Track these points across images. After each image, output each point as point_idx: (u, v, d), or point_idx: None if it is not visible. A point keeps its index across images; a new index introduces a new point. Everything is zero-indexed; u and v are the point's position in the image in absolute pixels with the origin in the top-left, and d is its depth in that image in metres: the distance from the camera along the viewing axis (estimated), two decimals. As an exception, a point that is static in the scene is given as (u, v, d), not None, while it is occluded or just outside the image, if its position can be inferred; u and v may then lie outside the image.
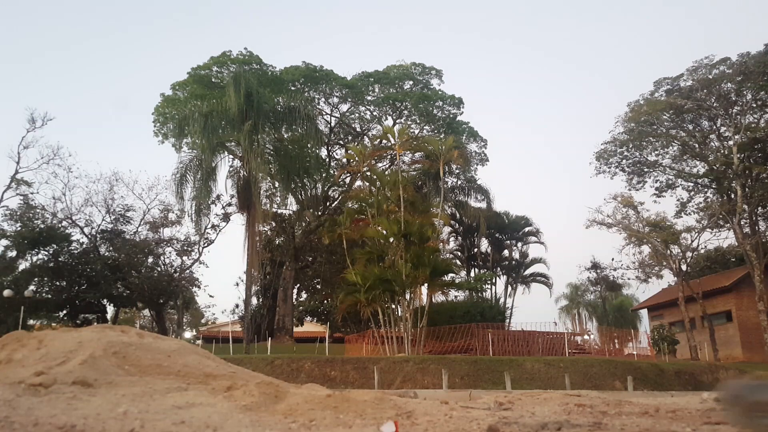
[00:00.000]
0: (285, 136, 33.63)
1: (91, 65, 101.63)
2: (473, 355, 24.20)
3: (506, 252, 41.53)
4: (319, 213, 36.89)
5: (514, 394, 8.02)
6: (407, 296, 26.46)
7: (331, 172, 37.53)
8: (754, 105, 34.89)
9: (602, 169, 38.03)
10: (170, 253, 38.49)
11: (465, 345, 25.91)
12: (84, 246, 35.26)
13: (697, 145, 36.94)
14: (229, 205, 36.94)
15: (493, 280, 39.38)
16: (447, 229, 38.04)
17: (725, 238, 39.26)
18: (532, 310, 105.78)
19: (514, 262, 41.59)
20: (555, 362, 21.42)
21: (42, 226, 33.65)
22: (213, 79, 35.46)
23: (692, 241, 37.28)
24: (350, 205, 32.25)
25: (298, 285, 41.44)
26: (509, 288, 41.28)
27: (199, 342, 33.11)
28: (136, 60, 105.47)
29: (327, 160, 38.32)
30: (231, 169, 33.21)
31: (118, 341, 5.60)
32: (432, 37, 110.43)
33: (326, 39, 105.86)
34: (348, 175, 35.83)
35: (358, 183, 35.14)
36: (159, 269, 37.46)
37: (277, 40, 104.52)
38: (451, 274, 31.57)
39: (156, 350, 5.75)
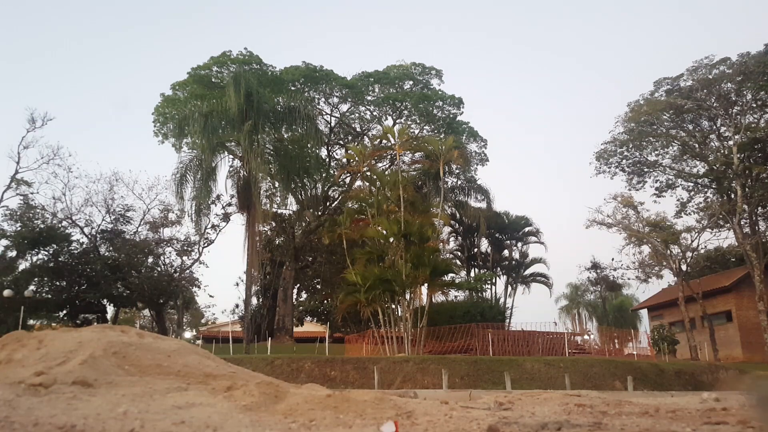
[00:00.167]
0: (285, 136, 33.63)
1: (91, 65, 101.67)
2: (473, 355, 24.19)
3: (506, 252, 41.53)
4: (319, 213, 36.89)
5: (514, 394, 8.02)
6: (407, 296, 26.46)
7: (331, 172, 37.54)
8: (754, 105, 34.91)
9: (602, 169, 38.09)
10: (170, 253, 38.57)
11: (465, 345, 25.91)
12: (84, 246, 35.27)
13: (697, 145, 36.96)
14: (229, 205, 36.99)
15: (493, 280, 39.40)
16: (447, 229, 38.07)
17: (725, 238, 39.35)
18: (532, 310, 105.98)
19: (514, 262, 41.59)
20: (555, 362, 21.42)
21: (42, 226, 33.65)
22: (213, 79, 35.46)
23: (692, 241, 37.35)
24: (350, 205, 32.26)
25: (298, 285, 41.45)
26: (509, 288, 41.32)
27: (199, 342, 33.11)
28: (136, 60, 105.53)
29: (327, 160, 38.33)
30: (231, 169, 33.27)
31: (118, 341, 5.60)
32: (432, 36, 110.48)
33: (326, 39, 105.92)
34: (348, 175, 35.84)
35: (358, 183, 35.18)
36: (159, 269, 37.48)
37: (277, 40, 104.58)
38: (451, 274, 31.57)
39: (156, 350, 5.75)
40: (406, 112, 37.58)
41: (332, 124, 38.22)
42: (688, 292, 35.60)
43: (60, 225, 34.87)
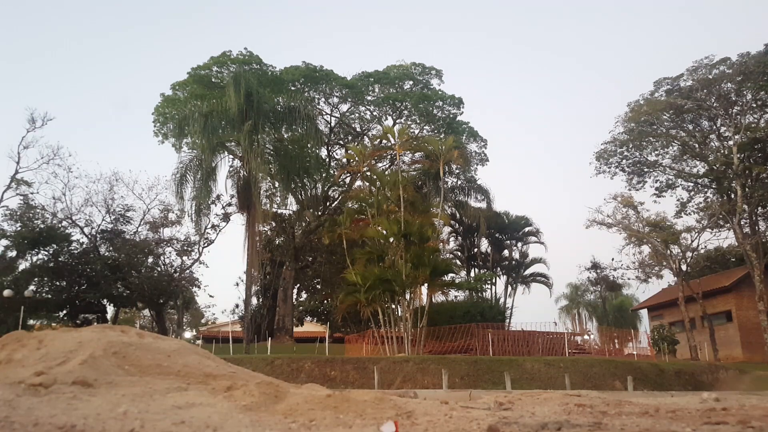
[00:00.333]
0: (285, 136, 33.64)
1: (91, 65, 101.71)
2: (473, 355, 24.19)
3: (506, 252, 41.54)
4: (319, 213, 36.89)
5: (514, 394, 8.02)
6: (407, 296, 26.45)
7: (331, 172, 37.54)
8: (754, 105, 34.90)
9: (602, 169, 38.10)
10: (170, 253, 38.59)
11: (465, 345, 25.90)
12: (84, 246, 35.28)
13: (697, 145, 36.96)
14: (229, 205, 37.00)
15: (493, 280, 39.39)
16: (447, 229, 38.07)
17: (725, 238, 39.36)
18: (532, 310, 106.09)
19: (514, 262, 41.58)
20: (555, 362, 21.42)
21: (42, 226, 33.65)
22: (213, 79, 35.47)
23: (692, 241, 37.36)
24: (350, 205, 32.25)
25: (298, 285, 41.45)
26: (509, 288, 41.32)
27: (199, 342, 33.11)
28: (136, 60, 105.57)
29: (327, 160, 38.33)
30: (231, 169, 33.28)
31: (118, 341, 5.60)
32: (432, 36, 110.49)
33: (326, 39, 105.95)
34: (348, 175, 35.84)
35: (358, 183, 35.18)
36: (159, 269, 37.49)
37: (277, 40, 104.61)
38: (451, 274, 31.57)
39: (156, 350, 5.75)
40: (406, 112, 37.58)
41: (332, 124, 38.23)
42: (688, 292, 35.59)
43: (60, 225, 34.88)
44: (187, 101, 34.15)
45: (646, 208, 38.20)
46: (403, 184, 28.26)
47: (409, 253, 25.49)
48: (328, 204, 37.87)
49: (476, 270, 40.57)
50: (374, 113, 38.56)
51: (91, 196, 35.99)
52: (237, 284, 49.55)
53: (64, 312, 34.97)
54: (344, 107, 38.23)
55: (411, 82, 37.38)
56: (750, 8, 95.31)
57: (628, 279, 44.43)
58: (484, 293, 37.81)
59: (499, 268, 41.10)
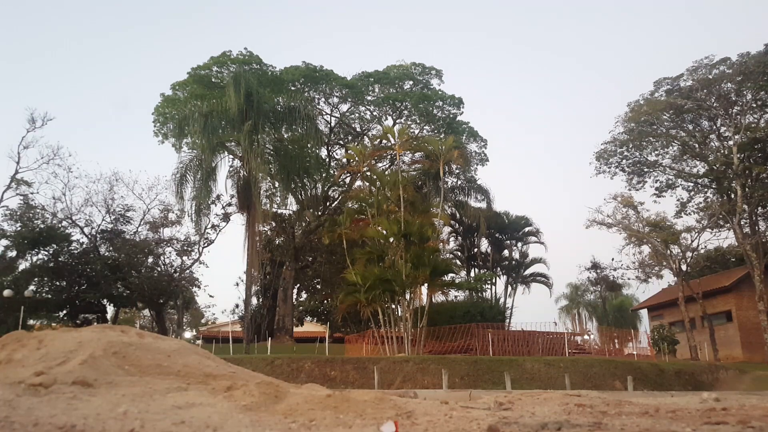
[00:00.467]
0: (285, 136, 33.64)
1: (90, 65, 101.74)
2: (473, 355, 24.19)
3: (506, 252, 41.53)
4: (319, 213, 36.89)
5: (514, 394, 8.02)
6: (407, 296, 26.45)
7: (331, 172, 37.54)
8: (754, 105, 34.90)
9: (602, 169, 38.09)
10: (170, 253, 38.58)
11: (465, 345, 25.90)
12: (84, 246, 35.28)
13: (697, 145, 36.95)
14: (229, 205, 37.00)
15: (493, 280, 39.40)
16: (447, 229, 38.07)
17: (725, 238, 39.35)
18: (532, 310, 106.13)
19: (514, 262, 41.59)
20: (555, 362, 21.42)
21: (42, 226, 33.65)
22: (213, 79, 35.46)
23: (692, 241, 37.36)
24: (350, 205, 32.25)
25: (298, 285, 41.45)
26: (509, 288, 41.33)
27: (199, 342, 33.12)
28: (136, 60, 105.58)
29: (327, 160, 38.33)
30: (231, 169, 33.29)
31: (118, 341, 5.60)
32: (432, 36, 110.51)
33: (326, 39, 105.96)
34: (348, 175, 35.84)
35: (358, 183, 35.18)
36: (159, 269, 37.48)
37: (277, 40, 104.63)
38: (451, 274, 31.57)
39: (156, 350, 5.75)
40: (406, 112, 37.58)
41: (332, 124, 38.23)
42: (688, 292, 35.59)
43: (60, 225, 34.88)
44: (187, 101, 34.15)
45: (646, 208, 38.26)
46: (403, 184, 28.26)
47: (409, 253, 25.49)
48: (328, 204, 37.87)
49: (476, 270, 40.58)
50: (374, 113, 38.57)
51: (91, 196, 36.06)
52: (237, 284, 49.64)
53: (64, 312, 34.97)
54: (344, 107, 38.28)
55: (411, 82, 37.39)
56: (750, 8, 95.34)
57: (628, 279, 44.51)
58: (484, 293, 37.86)
59: (499, 268, 41.10)
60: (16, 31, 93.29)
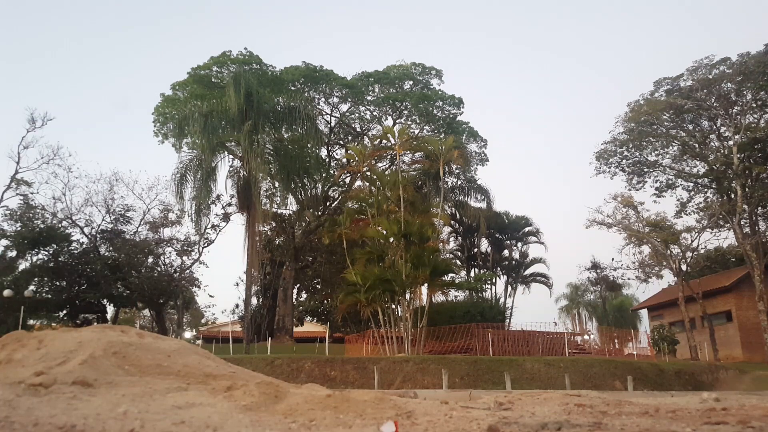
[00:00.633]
0: (285, 136, 33.64)
1: (90, 65, 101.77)
2: (473, 355, 24.20)
3: (506, 252, 41.53)
4: (319, 213, 36.89)
5: (514, 394, 8.02)
6: (407, 296, 26.45)
7: (331, 172, 37.54)
8: (754, 105, 34.89)
9: (602, 169, 38.09)
10: (170, 253, 38.57)
11: (465, 345, 25.90)
12: (84, 246, 35.27)
13: (697, 145, 36.95)
14: (229, 205, 36.99)
15: (493, 280, 39.40)
16: (447, 229, 38.06)
17: (725, 238, 39.34)
18: (532, 310, 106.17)
19: (514, 262, 41.59)
20: (555, 362, 21.42)
21: (42, 226, 33.65)
22: (213, 79, 35.46)
23: (692, 241, 37.35)
24: (350, 205, 32.25)
25: (298, 285, 41.44)
26: (509, 288, 41.32)
27: (199, 342, 33.12)
28: (136, 60, 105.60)
29: (327, 160, 38.32)
30: (231, 169, 33.28)
31: (118, 341, 5.60)
32: (432, 36, 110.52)
33: (326, 39, 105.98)
34: (348, 175, 35.83)
35: (358, 183, 35.18)
36: (159, 269, 37.47)
37: (277, 40, 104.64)
38: (451, 274, 31.57)
39: (156, 350, 5.75)
40: (406, 112, 37.57)
41: (332, 124, 38.23)
42: (688, 292, 35.59)
43: (60, 225, 34.87)
44: (187, 101, 34.14)
45: (646, 208, 38.25)
46: (403, 184, 28.26)
47: (409, 253, 25.49)
48: (328, 204, 37.86)
49: (476, 270, 40.58)
50: (374, 113, 38.57)
51: (91, 196, 36.04)
52: (237, 284, 49.63)
53: (64, 312, 34.97)
54: (344, 107, 38.27)
55: (411, 82, 37.38)
56: (750, 8, 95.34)
57: (628, 279, 44.50)
58: (484, 293, 37.86)
59: (499, 268, 41.10)
60: (16, 31, 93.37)
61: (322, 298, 42.91)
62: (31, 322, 31.21)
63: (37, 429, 3.38)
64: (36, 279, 33.62)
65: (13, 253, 33.90)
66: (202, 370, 5.64)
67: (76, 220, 35.67)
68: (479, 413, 4.68)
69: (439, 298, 30.69)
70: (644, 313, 49.37)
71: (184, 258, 38.75)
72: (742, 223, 34.36)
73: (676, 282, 37.27)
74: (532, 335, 27.71)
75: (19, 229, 33.30)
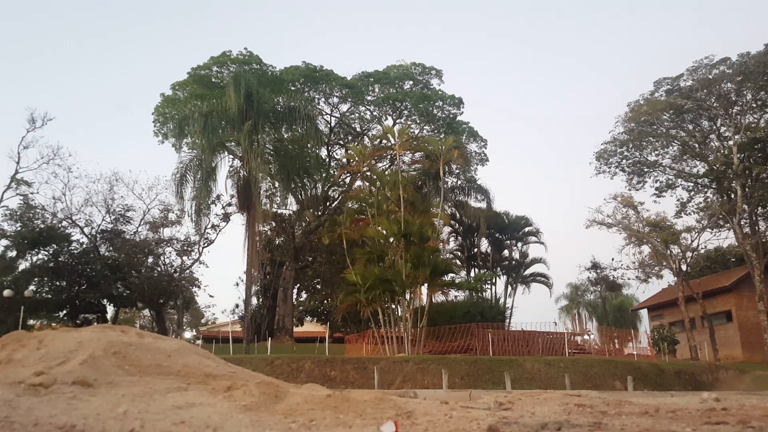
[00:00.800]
0: (285, 136, 33.63)
1: (90, 65, 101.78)
2: (473, 355, 24.20)
3: (506, 252, 41.53)
4: (319, 213, 36.89)
5: (514, 394, 8.02)
6: (407, 296, 26.45)
7: (331, 172, 37.53)
8: (754, 105, 34.89)
9: (602, 169, 38.07)
10: (170, 253, 38.53)
11: (465, 345, 25.91)
12: (84, 246, 35.26)
13: (697, 145, 36.94)
14: (229, 205, 36.98)
15: (493, 280, 39.39)
16: (447, 229, 38.07)
17: (725, 238, 39.32)
18: (532, 310, 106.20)
19: (514, 262, 41.58)
20: (555, 362, 21.43)
21: (42, 226, 33.64)
22: (213, 79, 35.46)
23: (692, 241, 37.33)
24: (350, 205, 32.27)
25: (298, 285, 41.44)
26: (509, 288, 41.32)
27: (199, 342, 33.13)
28: (136, 60, 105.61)
29: (327, 160, 38.32)
30: (231, 169, 33.28)
31: (118, 341, 5.60)
32: (432, 36, 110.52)
33: (326, 39, 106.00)
34: (348, 175, 35.83)
35: (358, 183, 35.18)
36: (159, 269, 37.46)
37: (277, 40, 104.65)
38: (451, 274, 31.58)
39: (156, 350, 5.75)
40: (406, 112, 37.57)
41: (332, 124, 38.22)
42: (688, 292, 35.58)
43: (60, 225, 34.86)
44: (187, 101, 34.15)
45: (646, 208, 38.22)
46: (403, 184, 28.27)
47: (409, 253, 25.49)
48: (328, 204, 37.86)
49: (476, 270, 40.58)
50: (374, 113, 38.56)
51: (91, 196, 36.02)
52: (237, 284, 49.64)
53: (64, 312, 34.96)
54: (344, 107, 38.27)
55: (411, 82, 37.38)
56: (750, 8, 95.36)
57: (628, 279, 44.47)
58: (484, 293, 37.86)
59: (499, 268, 41.10)
60: (16, 31, 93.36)
61: (322, 298, 42.91)
62: (31, 322, 31.20)
63: (37, 429, 3.38)
64: (36, 279, 33.62)
65: (13, 253, 33.90)
66: (202, 370, 5.64)
67: (76, 220, 35.71)
68: (479, 413, 4.68)
69: (439, 298, 30.72)
70: (644, 313, 49.37)
71: (184, 258, 38.77)
72: (742, 223, 34.35)
73: (676, 282, 37.26)
74: (532, 335, 27.72)
75: (19, 229, 33.30)
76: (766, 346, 32.68)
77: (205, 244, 38.68)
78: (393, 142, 31.26)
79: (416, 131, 37.60)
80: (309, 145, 34.37)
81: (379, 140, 35.56)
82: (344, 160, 37.92)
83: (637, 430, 4.13)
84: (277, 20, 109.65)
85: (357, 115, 39.02)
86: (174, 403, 4.12)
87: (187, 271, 38.61)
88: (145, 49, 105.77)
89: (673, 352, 32.82)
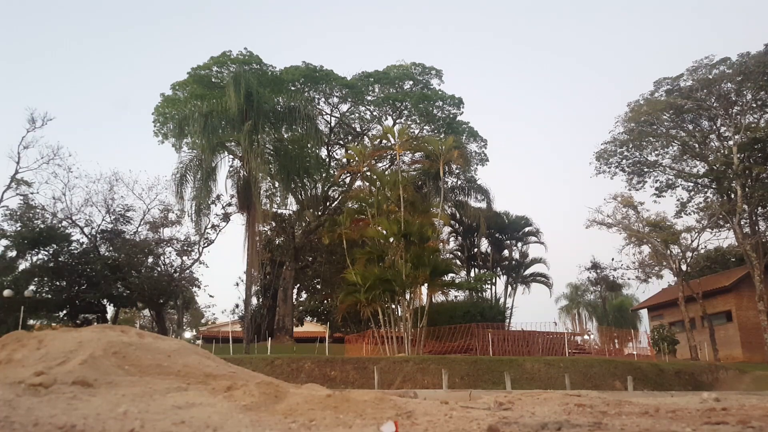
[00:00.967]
0: (285, 136, 33.63)
1: (90, 65, 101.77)
2: (473, 355, 24.20)
3: (506, 252, 41.53)
4: (319, 213, 36.89)
5: (514, 394, 8.02)
6: (407, 296, 26.45)
7: (331, 172, 37.53)
8: (754, 105, 34.89)
9: (602, 169, 38.07)
10: (170, 253, 38.52)
11: (465, 345, 25.91)
12: (84, 246, 35.25)
13: (697, 145, 36.94)
14: (229, 205, 36.97)
15: (493, 280, 39.39)
16: (447, 229, 38.06)
17: (725, 238, 39.31)
18: (532, 310, 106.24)
19: (514, 262, 41.58)
20: (555, 362, 21.43)
21: (42, 226, 33.63)
22: (213, 79, 35.46)
23: (692, 241, 37.32)
24: (350, 205, 32.25)
25: (298, 285, 41.44)
26: (509, 288, 41.32)
27: (199, 342, 33.12)
28: (136, 60, 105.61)
29: (327, 160, 38.32)
30: (231, 169, 33.28)
31: (118, 341, 5.60)
32: (432, 36, 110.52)
33: (326, 39, 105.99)
34: (348, 175, 35.83)
35: (358, 183, 35.17)
36: (159, 269, 37.45)
37: (277, 40, 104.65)
38: (451, 274, 31.56)
39: (156, 350, 5.75)
40: (406, 112, 37.57)
41: (332, 124, 38.22)
42: (688, 292, 35.58)
43: (60, 225, 34.86)
44: (187, 101, 34.14)
45: (646, 208, 38.21)
46: (403, 184, 28.26)
47: (409, 253, 25.49)
48: (328, 204, 37.86)
49: (476, 270, 40.57)
50: (374, 113, 38.56)
51: (91, 196, 36.01)
52: (237, 284, 49.65)
53: (64, 312, 34.96)
54: (344, 107, 38.27)
55: (411, 82, 37.37)
56: (750, 8, 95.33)
57: (628, 279, 44.47)
58: (484, 293, 37.85)
59: (499, 268, 41.10)
60: (16, 31, 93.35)
61: (322, 298, 42.91)
62: (31, 322, 31.20)
63: (37, 429, 3.38)
64: (36, 279, 33.61)
65: (13, 253, 33.90)
66: (202, 370, 5.64)
67: (76, 220, 35.70)
68: (479, 413, 4.68)
69: (439, 298, 30.71)
70: (644, 313, 49.36)
71: (184, 258, 38.77)
72: (742, 223, 34.35)
73: (676, 282, 37.26)
74: (532, 335, 27.71)
75: (19, 229, 33.29)
76: (766, 346, 32.68)
77: (205, 244, 38.72)
78: (393, 142, 31.26)
79: (416, 131, 37.60)
80: (309, 145, 34.36)
81: (379, 140, 35.56)
82: (344, 160, 37.92)
83: (637, 430, 4.13)
84: (277, 20, 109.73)
85: (357, 115, 39.03)
86: (174, 403, 4.12)
87: (187, 271, 38.63)
88: (145, 49, 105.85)
89: (673, 352, 32.81)
